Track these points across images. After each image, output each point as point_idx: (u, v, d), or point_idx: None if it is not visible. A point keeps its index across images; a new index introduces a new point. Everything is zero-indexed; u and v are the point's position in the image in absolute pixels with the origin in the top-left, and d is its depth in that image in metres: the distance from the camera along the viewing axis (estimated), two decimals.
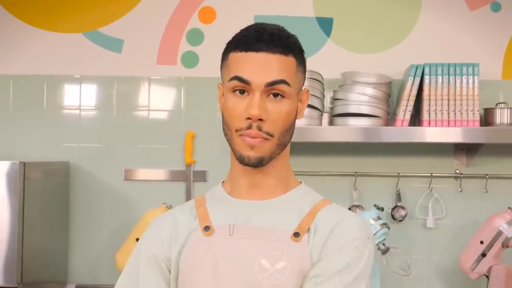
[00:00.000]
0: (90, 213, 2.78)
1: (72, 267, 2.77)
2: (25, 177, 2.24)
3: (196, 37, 2.79)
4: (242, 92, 1.26)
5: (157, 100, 2.81)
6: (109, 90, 2.81)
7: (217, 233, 1.29)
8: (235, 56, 1.29)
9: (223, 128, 1.31)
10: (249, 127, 1.24)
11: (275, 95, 1.26)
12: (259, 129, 1.24)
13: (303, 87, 1.35)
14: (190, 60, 2.79)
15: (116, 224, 2.78)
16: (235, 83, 1.26)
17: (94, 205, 2.78)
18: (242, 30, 1.33)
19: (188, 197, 2.75)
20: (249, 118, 1.24)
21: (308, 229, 1.27)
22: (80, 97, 2.81)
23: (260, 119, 1.24)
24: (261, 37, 1.27)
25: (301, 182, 1.39)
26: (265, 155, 1.27)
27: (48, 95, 2.81)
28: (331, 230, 1.26)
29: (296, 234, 1.26)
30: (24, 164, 2.24)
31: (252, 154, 1.25)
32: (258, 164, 1.27)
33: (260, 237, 1.25)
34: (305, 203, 1.32)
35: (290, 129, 1.30)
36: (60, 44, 2.81)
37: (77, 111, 2.81)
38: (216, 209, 1.33)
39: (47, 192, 2.53)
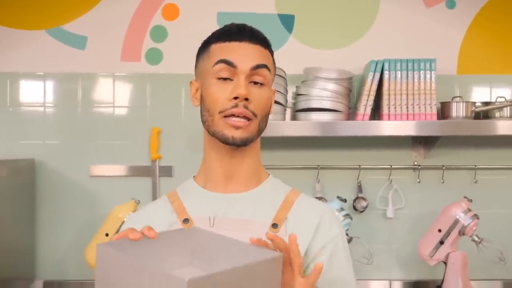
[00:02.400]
0: (56, 210, 2.79)
1: (39, 264, 2.78)
2: None
3: (159, 34, 2.81)
4: (225, 79, 1.33)
5: (122, 97, 2.82)
6: (73, 86, 2.81)
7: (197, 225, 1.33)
8: (218, 46, 1.36)
9: (203, 116, 1.37)
10: (235, 106, 1.31)
11: (255, 83, 1.34)
12: (245, 107, 1.31)
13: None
14: (154, 56, 2.81)
15: (82, 220, 2.79)
16: (221, 66, 1.33)
17: (61, 201, 2.79)
18: (221, 27, 1.41)
19: (154, 192, 2.78)
20: (235, 98, 1.31)
21: (285, 219, 1.35)
22: (44, 94, 2.81)
23: (246, 99, 1.31)
24: (243, 30, 1.37)
25: (269, 174, 1.47)
26: (249, 135, 1.34)
27: (11, 92, 2.80)
28: (315, 229, 1.36)
29: (274, 225, 1.34)
30: None
31: (237, 134, 1.32)
32: (242, 143, 1.33)
33: (239, 229, 1.31)
34: (278, 195, 1.41)
35: (267, 116, 1.39)
36: (23, 41, 2.79)
37: (41, 108, 2.81)
38: (191, 203, 1.38)
39: (13, 189, 2.52)
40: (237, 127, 1.32)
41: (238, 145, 1.34)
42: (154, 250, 1.17)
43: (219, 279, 1.01)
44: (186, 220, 1.35)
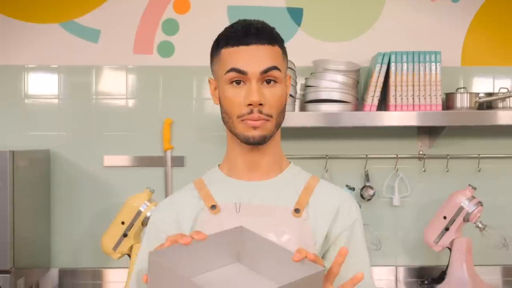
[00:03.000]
0: (71, 199, 2.86)
1: (54, 252, 2.85)
2: (14, 165, 2.30)
3: (171, 27, 2.88)
4: (238, 82, 1.39)
5: (135, 89, 2.89)
6: (87, 79, 2.87)
7: (223, 212, 1.41)
8: (228, 51, 1.40)
9: (223, 117, 1.44)
10: (251, 112, 1.38)
11: (268, 81, 1.40)
12: (260, 112, 1.38)
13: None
14: (166, 49, 2.88)
15: (96, 209, 2.86)
16: (233, 74, 1.38)
17: (75, 191, 2.86)
18: (228, 27, 1.45)
19: (167, 181, 2.85)
20: (250, 105, 1.37)
21: (306, 204, 1.43)
22: (58, 86, 2.87)
23: (260, 104, 1.37)
24: (249, 32, 1.40)
25: (290, 162, 1.54)
26: (267, 133, 1.41)
27: (26, 85, 2.86)
28: (335, 213, 1.44)
29: (297, 210, 1.41)
30: (13, 153, 2.30)
31: (256, 134, 1.39)
32: (262, 141, 1.41)
33: (264, 214, 1.38)
34: (299, 181, 1.48)
35: (284, 110, 1.45)
36: (37, 34, 2.85)
37: (56, 100, 2.87)
38: (218, 190, 1.46)
39: (30, 179, 2.58)
40: (255, 127, 1.39)
41: (258, 143, 1.42)
42: (203, 253, 1.24)
43: None
44: (213, 207, 1.42)
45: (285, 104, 1.45)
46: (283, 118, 1.46)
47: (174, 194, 1.56)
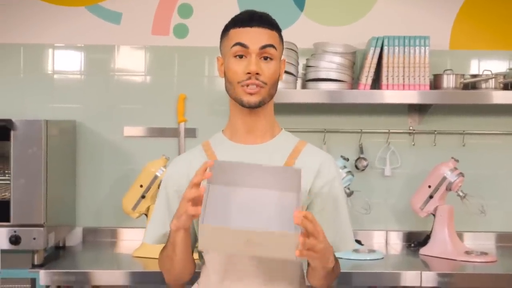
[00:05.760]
0: (94, 165, 3.16)
1: (79, 212, 3.17)
2: (47, 134, 2.59)
3: (186, 11, 3.15)
4: (241, 56, 1.72)
5: (152, 66, 3.18)
6: (110, 57, 3.17)
7: None
8: (235, 31, 1.74)
9: (226, 86, 1.77)
10: (249, 79, 1.70)
11: (265, 58, 1.72)
12: (256, 79, 1.70)
13: (282, 57, 1.81)
14: (181, 31, 3.16)
15: (117, 174, 3.17)
16: (237, 48, 1.72)
17: (98, 158, 3.16)
18: (237, 14, 1.79)
19: (181, 151, 3.15)
20: (249, 73, 1.69)
21: (293, 165, 1.74)
22: (84, 63, 3.17)
23: (257, 73, 1.70)
24: (253, 17, 1.75)
25: (282, 129, 1.85)
26: (261, 99, 1.73)
27: (55, 62, 3.16)
28: (317, 171, 1.75)
29: None
30: (46, 122, 2.59)
31: (252, 99, 1.72)
32: (257, 105, 1.72)
33: None
34: (288, 145, 1.80)
35: (276, 83, 1.78)
36: (66, 16, 3.14)
37: (82, 76, 3.17)
38: (220, 151, 1.78)
39: (60, 147, 2.86)
40: (251, 94, 1.70)
41: (253, 107, 1.72)
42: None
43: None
44: None
45: (278, 79, 1.77)
46: (275, 90, 1.78)
47: (186, 152, 1.88)
